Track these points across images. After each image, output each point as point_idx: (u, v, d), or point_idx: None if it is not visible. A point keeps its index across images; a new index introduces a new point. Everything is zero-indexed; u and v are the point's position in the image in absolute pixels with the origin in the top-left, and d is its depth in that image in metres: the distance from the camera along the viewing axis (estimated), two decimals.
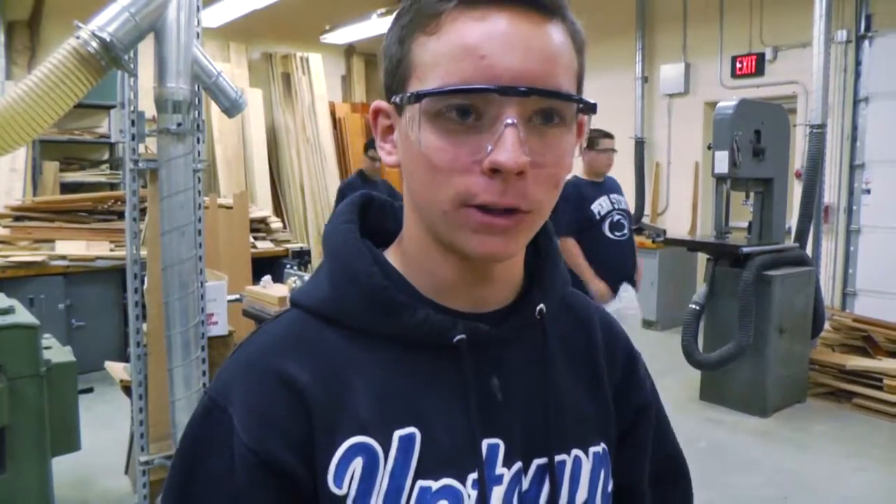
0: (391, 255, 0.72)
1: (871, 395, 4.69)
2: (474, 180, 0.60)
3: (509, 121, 0.59)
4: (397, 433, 0.64)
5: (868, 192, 6.04)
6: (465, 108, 0.60)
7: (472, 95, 0.59)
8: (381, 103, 0.69)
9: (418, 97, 0.60)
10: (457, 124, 0.60)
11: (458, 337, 0.67)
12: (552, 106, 0.61)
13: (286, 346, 0.67)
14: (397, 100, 0.64)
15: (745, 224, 5.20)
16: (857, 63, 6.02)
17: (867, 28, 5.92)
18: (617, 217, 4.07)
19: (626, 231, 4.09)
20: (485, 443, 0.67)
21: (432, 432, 0.65)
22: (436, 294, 0.69)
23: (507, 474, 0.68)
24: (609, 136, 4.17)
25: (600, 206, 4.04)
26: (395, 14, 0.66)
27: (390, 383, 0.66)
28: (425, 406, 0.66)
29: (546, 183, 0.62)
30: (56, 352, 2.67)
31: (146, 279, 2.73)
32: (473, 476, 0.65)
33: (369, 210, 0.76)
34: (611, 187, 4.16)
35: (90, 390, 4.52)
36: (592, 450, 0.75)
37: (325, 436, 0.63)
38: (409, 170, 0.65)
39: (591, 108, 0.64)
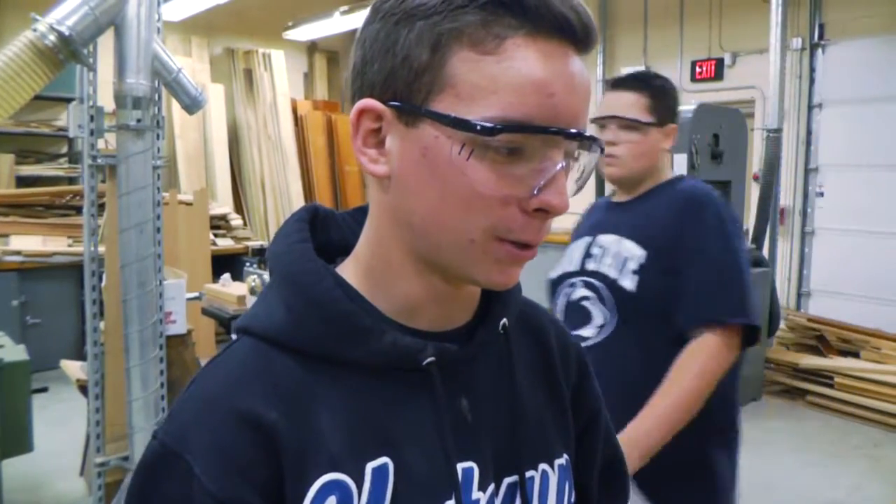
0: (347, 273, 0.67)
1: (823, 393, 4.81)
2: (511, 215, 0.59)
3: (562, 164, 0.58)
4: (370, 465, 0.60)
5: (822, 195, 6.19)
6: (525, 146, 0.57)
7: (538, 135, 0.57)
8: (373, 103, 0.60)
9: (494, 130, 0.55)
10: (503, 156, 0.57)
11: (427, 360, 0.64)
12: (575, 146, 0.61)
13: (246, 381, 0.61)
14: (422, 111, 0.58)
15: None
16: (812, 70, 6.16)
17: (821, 36, 6.07)
18: (579, 291, 1.72)
19: (592, 327, 1.68)
20: (459, 467, 0.64)
21: (405, 460, 0.62)
22: (399, 314, 0.66)
23: (483, 498, 0.66)
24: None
25: (568, 257, 1.82)
26: (406, 6, 0.59)
27: (358, 412, 0.62)
28: (396, 433, 0.63)
29: None
30: (8, 350, 2.62)
31: (104, 276, 2.69)
32: (450, 503, 0.63)
33: (314, 222, 0.71)
34: (615, 221, 1.75)
35: (45, 389, 4.43)
36: (557, 462, 0.74)
37: (296, 476, 0.58)
38: (420, 189, 0.60)
39: (602, 149, 0.64)
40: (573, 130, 0.58)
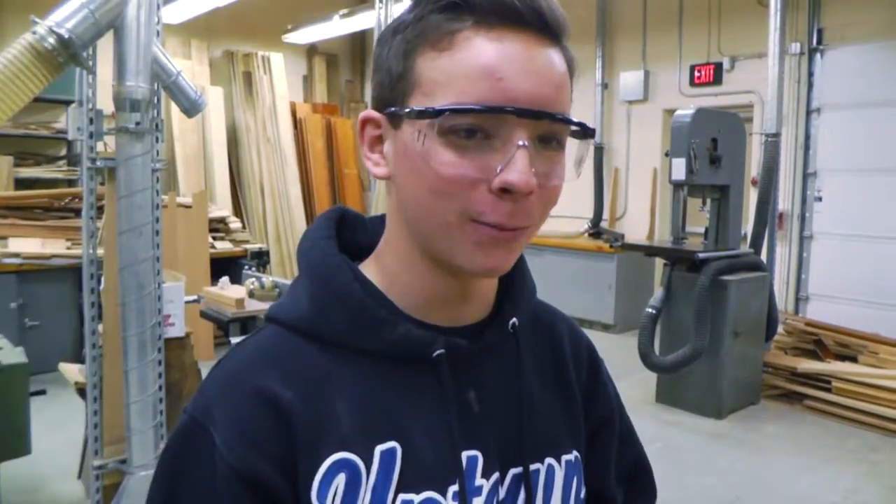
0: (368, 270, 0.72)
1: (821, 397, 4.81)
2: (481, 197, 0.61)
3: (522, 142, 0.60)
4: (379, 448, 0.65)
5: (820, 199, 6.20)
6: (477, 127, 0.60)
7: (487, 115, 0.59)
8: (372, 113, 0.68)
9: (436, 113, 0.60)
10: (466, 141, 0.60)
11: (437, 351, 0.68)
12: (556, 130, 0.63)
13: (267, 362, 0.67)
14: (399, 112, 0.64)
15: (702, 230, 5.29)
16: (810, 75, 6.17)
17: (819, 41, 6.09)
18: None
19: None
20: (464, 455, 0.68)
21: (413, 446, 0.66)
22: (414, 309, 0.70)
23: (486, 485, 0.69)
24: None
25: None
26: (393, 25, 0.66)
27: (370, 398, 0.66)
28: (405, 420, 0.67)
29: (546, 201, 0.64)
30: (7, 353, 2.62)
31: (103, 279, 2.69)
32: (454, 488, 0.66)
33: (343, 224, 0.76)
34: None
35: (43, 392, 4.43)
36: (565, 458, 0.77)
37: (307, 452, 0.63)
38: (406, 183, 0.65)
39: (591, 134, 0.66)
40: (524, 109, 0.60)
